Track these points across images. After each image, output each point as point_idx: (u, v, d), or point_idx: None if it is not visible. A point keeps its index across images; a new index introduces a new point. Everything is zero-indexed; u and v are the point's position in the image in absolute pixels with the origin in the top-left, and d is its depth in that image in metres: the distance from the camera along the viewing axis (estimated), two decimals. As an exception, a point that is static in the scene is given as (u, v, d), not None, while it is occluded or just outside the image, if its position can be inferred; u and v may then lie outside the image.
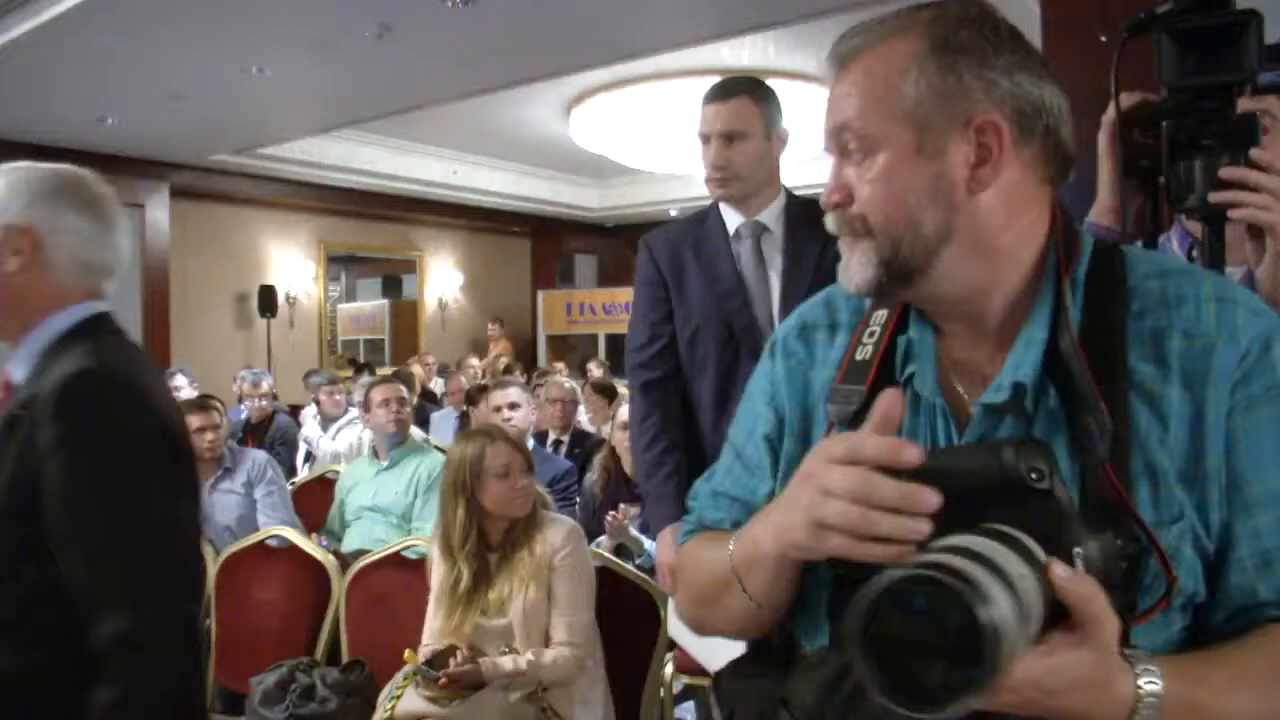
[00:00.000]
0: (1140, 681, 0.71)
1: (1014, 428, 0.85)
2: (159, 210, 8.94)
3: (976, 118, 0.82)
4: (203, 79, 6.43)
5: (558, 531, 2.43)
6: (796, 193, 2.23)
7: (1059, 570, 0.67)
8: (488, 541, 2.43)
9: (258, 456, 3.93)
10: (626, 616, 2.51)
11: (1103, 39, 2.18)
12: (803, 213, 2.16)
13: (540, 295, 12.70)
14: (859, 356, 0.93)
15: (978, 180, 0.83)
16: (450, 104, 7.41)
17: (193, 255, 9.42)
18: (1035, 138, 0.85)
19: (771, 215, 2.18)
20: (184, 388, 6.16)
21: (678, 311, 2.22)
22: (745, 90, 2.13)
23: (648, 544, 3.19)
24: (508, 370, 8.57)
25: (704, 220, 2.24)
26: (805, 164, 10.26)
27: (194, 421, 3.73)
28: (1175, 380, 0.82)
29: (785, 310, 2.03)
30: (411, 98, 7.18)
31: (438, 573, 2.47)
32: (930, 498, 0.70)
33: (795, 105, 8.14)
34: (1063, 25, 3.03)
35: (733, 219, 2.19)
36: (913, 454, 0.71)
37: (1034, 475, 0.70)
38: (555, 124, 9.28)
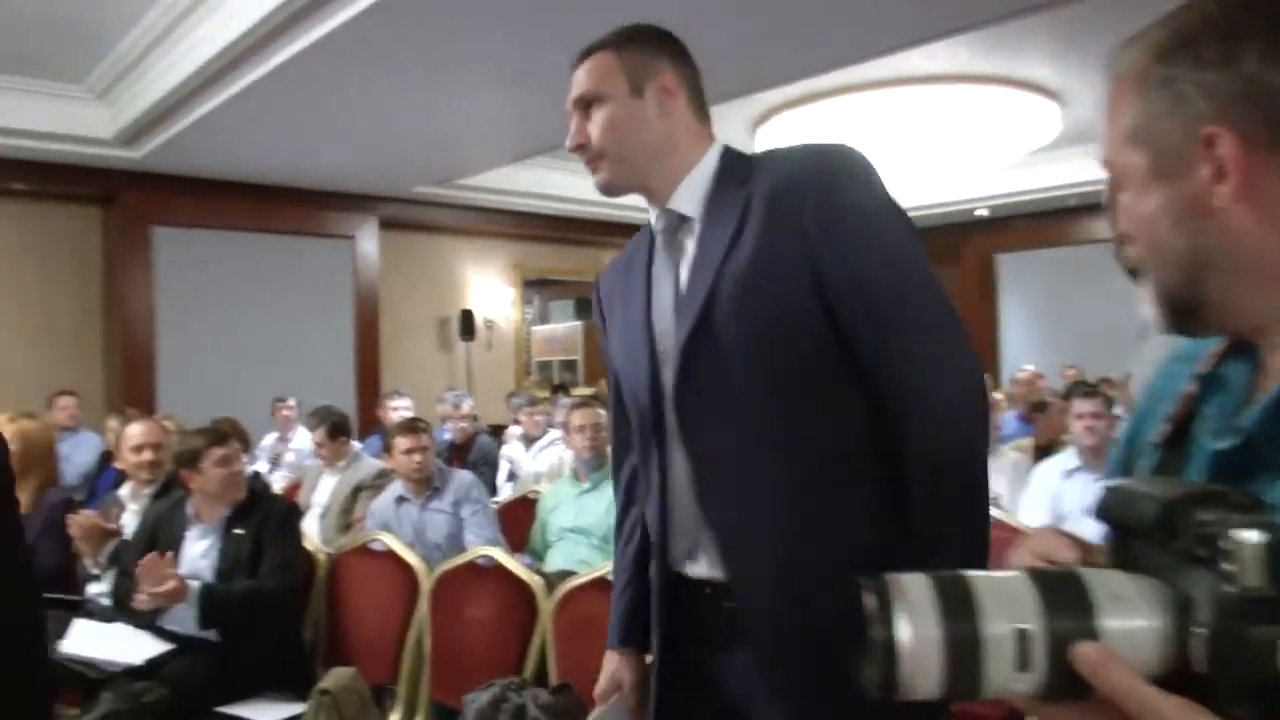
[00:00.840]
0: None
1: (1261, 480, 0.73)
2: (368, 241, 9.45)
3: (1204, 129, 0.73)
4: (407, 116, 6.76)
5: None
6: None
7: (1080, 649, 0.61)
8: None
9: (464, 477, 4.05)
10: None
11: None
12: (725, 184, 1.50)
13: (728, 314, 12.67)
14: (1187, 389, 0.86)
15: (1217, 197, 0.73)
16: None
17: (399, 283, 9.91)
18: None
19: (690, 197, 1.52)
20: (405, 408, 6.49)
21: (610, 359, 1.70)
22: (608, 43, 1.54)
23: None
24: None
25: (646, 230, 1.64)
26: (1010, 171, 9.87)
27: (404, 443, 3.89)
28: None
29: (679, 321, 1.46)
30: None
31: None
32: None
33: (993, 111, 7.87)
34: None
35: (653, 218, 1.58)
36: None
37: (1187, 538, 0.62)
38: (740, 143, 9.12)
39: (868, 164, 1.42)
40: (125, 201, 8.14)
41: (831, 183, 1.40)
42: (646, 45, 1.54)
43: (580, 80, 1.54)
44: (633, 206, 9.55)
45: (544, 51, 5.50)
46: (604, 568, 2.92)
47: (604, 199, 9.50)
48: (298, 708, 2.97)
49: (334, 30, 5.06)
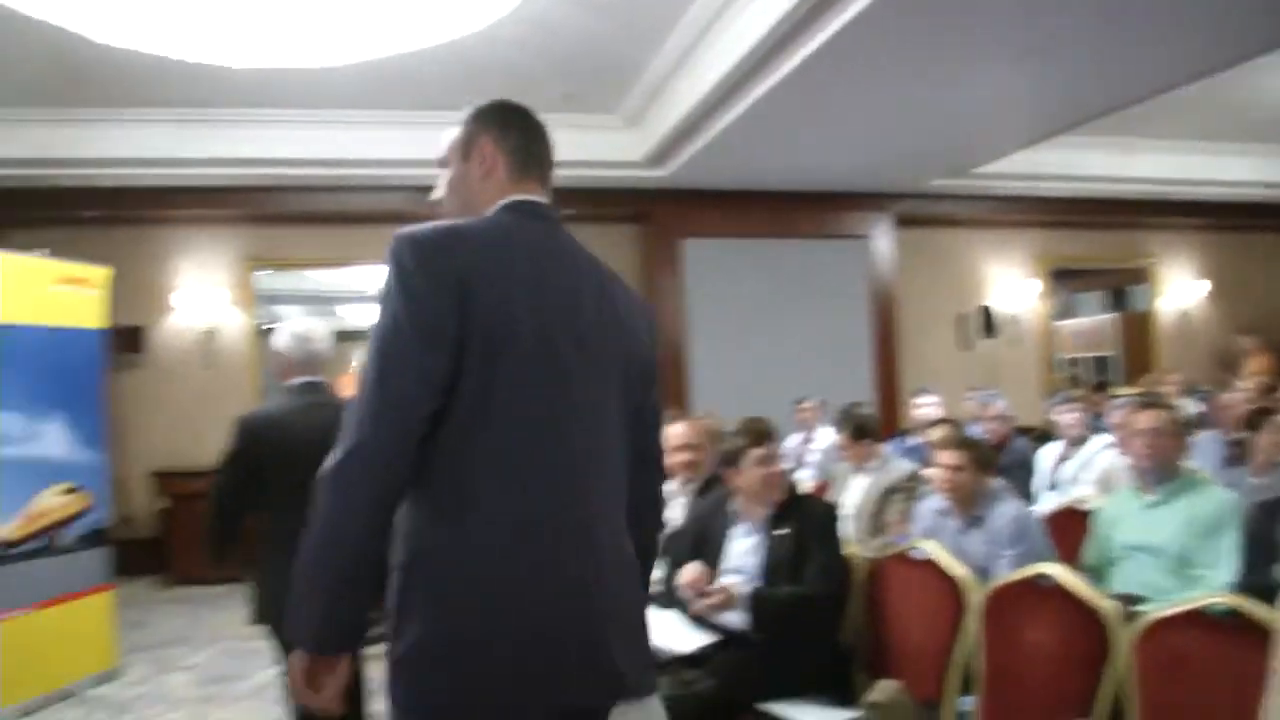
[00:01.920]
0: None
1: None
2: (883, 239, 9.37)
3: None
4: (917, 108, 6.55)
5: None
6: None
7: None
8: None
9: (1008, 512, 3.56)
10: None
11: None
12: None
13: (1315, 299, 10.69)
14: None
15: None
16: (1179, 89, 6.54)
17: (915, 280, 9.70)
18: None
19: None
20: (930, 406, 6.35)
21: None
22: (461, 119, 1.81)
23: None
24: (1268, 390, 7.32)
25: None
26: None
27: (944, 458, 3.61)
28: None
29: None
30: (1136, 89, 6.48)
31: None
32: None
33: None
34: None
35: None
36: None
37: None
38: (1110, 166, 7.86)
39: (401, 247, 1.55)
40: (656, 217, 8.87)
41: None
42: (479, 120, 1.78)
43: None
44: (1181, 181, 8.38)
45: (1054, 18, 4.97)
46: (1202, 599, 2.47)
47: (1148, 174, 8.51)
48: (839, 713, 2.91)
49: (837, 32, 5.02)
